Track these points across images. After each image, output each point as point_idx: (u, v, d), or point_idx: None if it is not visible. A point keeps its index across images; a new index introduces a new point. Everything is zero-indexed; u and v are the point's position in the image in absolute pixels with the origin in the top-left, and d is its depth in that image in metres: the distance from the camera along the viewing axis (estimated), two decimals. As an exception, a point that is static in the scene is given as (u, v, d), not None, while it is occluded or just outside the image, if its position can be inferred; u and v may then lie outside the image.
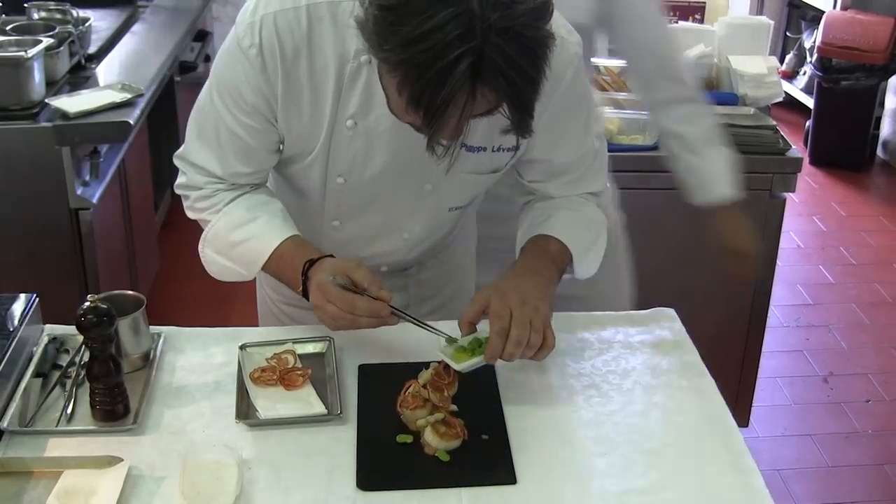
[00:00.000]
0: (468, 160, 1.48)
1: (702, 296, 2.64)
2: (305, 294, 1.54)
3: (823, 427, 3.17)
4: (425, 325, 1.55)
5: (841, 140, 5.04)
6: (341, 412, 1.50)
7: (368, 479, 1.38)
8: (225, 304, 3.44)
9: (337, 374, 1.59)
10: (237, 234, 1.60)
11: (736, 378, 2.81)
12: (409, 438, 1.46)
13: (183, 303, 3.57)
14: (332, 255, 1.57)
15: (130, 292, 1.64)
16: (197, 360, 1.65)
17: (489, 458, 1.43)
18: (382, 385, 1.58)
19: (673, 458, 1.43)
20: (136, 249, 3.29)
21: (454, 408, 1.51)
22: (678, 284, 2.65)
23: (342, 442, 1.46)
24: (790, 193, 2.63)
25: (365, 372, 1.62)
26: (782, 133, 2.58)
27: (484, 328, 1.52)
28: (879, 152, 5.21)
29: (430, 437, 1.43)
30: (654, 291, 2.62)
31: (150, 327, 1.67)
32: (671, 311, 1.79)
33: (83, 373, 1.50)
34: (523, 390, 1.56)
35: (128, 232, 3.20)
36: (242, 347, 1.64)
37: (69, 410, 1.50)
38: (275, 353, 1.63)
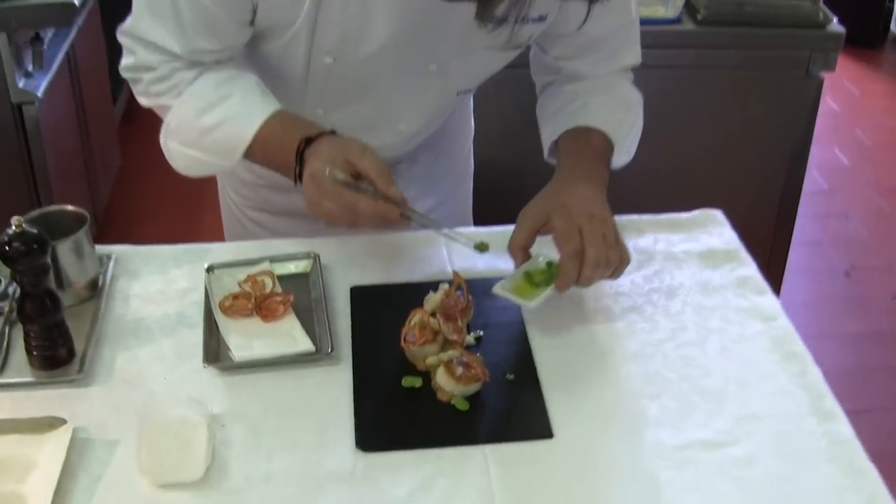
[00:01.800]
0: (482, 34, 1.18)
1: (727, 184, 2.37)
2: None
3: (847, 326, 2.94)
4: (446, 231, 1.26)
5: (853, 14, 4.69)
6: (333, 349, 1.23)
7: (370, 436, 1.12)
8: (198, 203, 3.14)
9: (325, 299, 1.31)
10: (208, 119, 1.30)
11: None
12: (417, 382, 1.19)
13: (148, 203, 3.27)
14: (332, 132, 1.27)
15: (70, 207, 1.34)
16: (155, 286, 1.37)
17: (518, 405, 1.17)
18: (381, 312, 1.31)
19: (739, 400, 1.17)
20: (94, 147, 2.98)
21: (471, 340, 1.25)
22: (701, 174, 2.38)
23: (335, 387, 1.19)
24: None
25: (359, 296, 1.34)
26: (822, 5, 2.26)
27: (538, 251, 1.29)
28: (894, 27, 4.87)
29: (443, 379, 1.17)
30: (675, 182, 2.37)
31: (99, 247, 1.38)
32: (719, 214, 1.52)
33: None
34: (552, 316, 1.29)
35: (82, 127, 2.89)
36: (209, 270, 1.36)
37: (0, 359, 1.22)
38: (249, 276, 1.35)
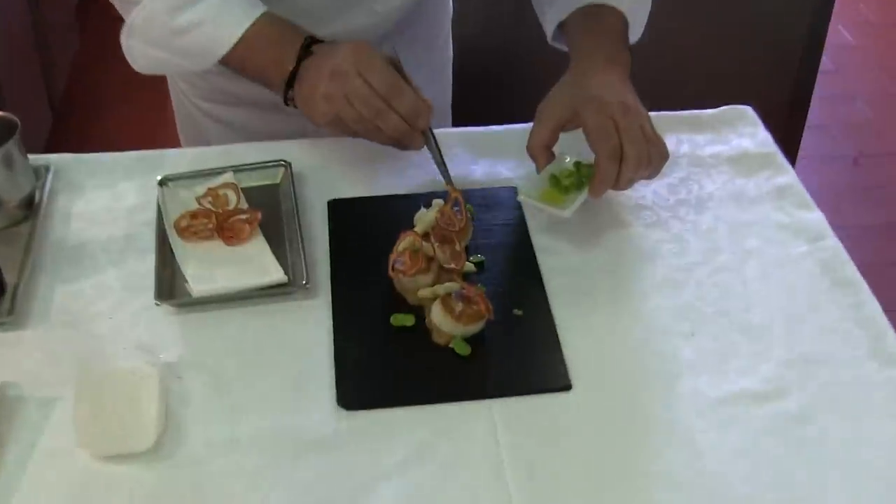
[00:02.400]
0: None
1: (739, 68, 2.17)
2: (290, 82, 1.09)
3: (858, 219, 2.77)
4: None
5: None
6: (308, 280, 1.05)
7: (353, 392, 0.94)
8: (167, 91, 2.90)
9: (298, 216, 1.12)
10: (183, 18, 1.11)
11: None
12: (408, 320, 1.01)
13: (111, 91, 3.01)
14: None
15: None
16: (101, 202, 1.17)
17: (529, 349, 0.99)
18: (365, 232, 1.12)
19: (787, 340, 1.00)
20: (47, 29, 2.72)
21: (470, 267, 1.07)
22: (710, 60, 2.17)
23: (312, 328, 1.01)
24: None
25: (338, 211, 1.15)
26: None
27: (561, 150, 1.12)
28: None
29: (439, 317, 0.99)
30: (683, 68, 2.16)
31: (34, 157, 1.19)
32: (749, 111, 1.32)
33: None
34: (562, 234, 1.11)
35: (32, 5, 2.62)
36: (163, 182, 1.16)
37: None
38: (209, 189, 1.16)
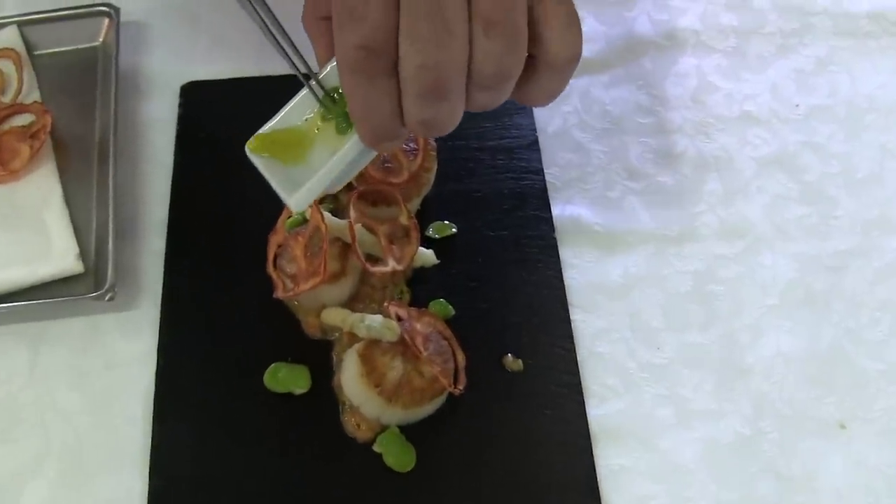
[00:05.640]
0: None
1: None
2: None
3: None
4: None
5: None
6: (113, 291, 0.54)
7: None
8: None
9: (116, 122, 0.61)
10: None
11: None
12: (299, 380, 0.52)
13: None
14: None
15: None
16: None
17: (535, 453, 0.50)
18: (238, 163, 0.60)
19: None
20: None
21: (429, 257, 0.56)
22: None
23: (124, 375, 0.53)
24: None
25: (193, 109, 0.63)
26: None
27: None
28: None
29: (355, 385, 0.50)
30: None
31: None
32: None
33: None
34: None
35: None
36: None
37: None
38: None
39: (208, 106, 0.63)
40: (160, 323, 0.54)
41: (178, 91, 0.64)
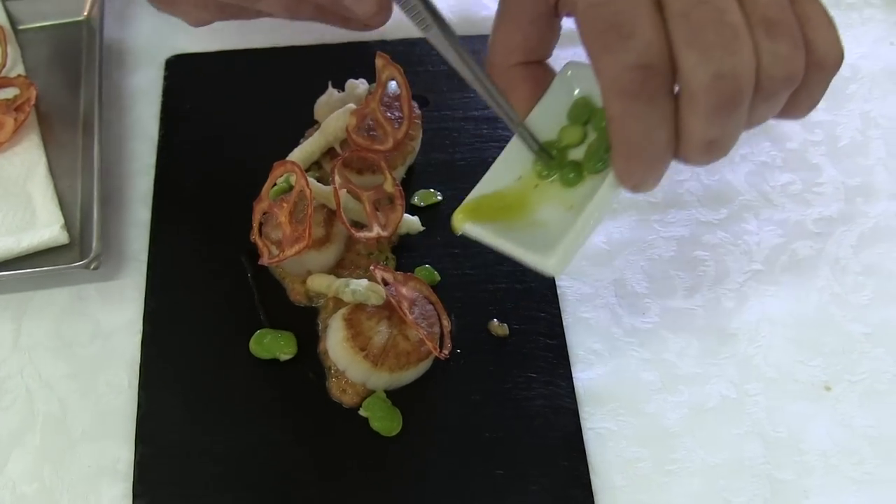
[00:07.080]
0: None
1: None
2: None
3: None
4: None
5: None
6: (98, 260, 0.54)
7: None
8: None
9: (100, 93, 0.61)
10: None
11: None
12: (285, 346, 0.52)
13: None
14: None
15: None
16: None
17: (521, 422, 0.50)
18: (223, 132, 0.61)
19: None
20: None
21: (414, 224, 0.57)
22: None
23: (102, 350, 0.53)
24: None
25: (177, 82, 0.63)
26: None
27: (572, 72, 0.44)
28: None
29: (340, 350, 0.50)
30: None
31: None
32: None
33: None
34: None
35: None
36: None
37: None
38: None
39: (193, 79, 0.63)
40: (146, 291, 0.54)
41: (163, 64, 0.64)
